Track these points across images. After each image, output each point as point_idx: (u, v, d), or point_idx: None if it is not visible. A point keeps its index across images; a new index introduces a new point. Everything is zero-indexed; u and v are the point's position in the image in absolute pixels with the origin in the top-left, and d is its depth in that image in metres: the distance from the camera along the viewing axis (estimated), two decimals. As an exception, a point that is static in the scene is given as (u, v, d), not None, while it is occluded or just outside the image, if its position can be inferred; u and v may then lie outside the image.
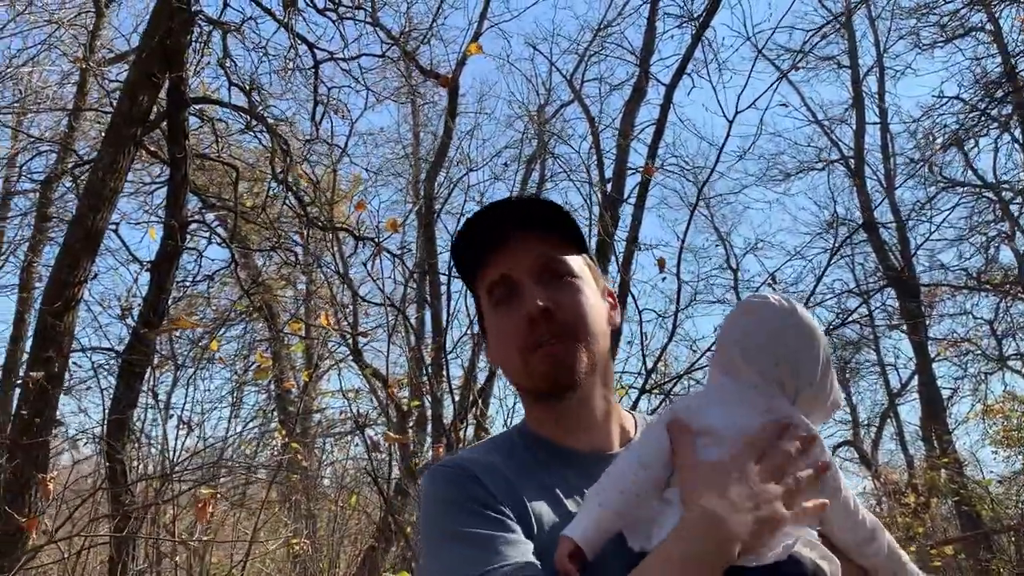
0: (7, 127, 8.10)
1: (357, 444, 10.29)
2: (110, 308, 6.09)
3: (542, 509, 1.14)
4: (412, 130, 14.53)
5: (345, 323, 12.69)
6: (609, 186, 10.30)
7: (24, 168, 8.66)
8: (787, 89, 12.99)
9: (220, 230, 6.52)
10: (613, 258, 8.89)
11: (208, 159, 6.09)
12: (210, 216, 7.19)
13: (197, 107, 5.77)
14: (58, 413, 5.14)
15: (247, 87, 5.42)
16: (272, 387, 11.99)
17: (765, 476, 1.06)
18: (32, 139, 7.80)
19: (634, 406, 4.69)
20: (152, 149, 6.30)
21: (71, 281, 5.19)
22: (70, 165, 6.71)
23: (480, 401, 7.76)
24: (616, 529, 1.08)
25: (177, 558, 5.24)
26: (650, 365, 4.71)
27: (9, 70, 8.46)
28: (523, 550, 1.07)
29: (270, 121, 5.56)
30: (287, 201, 5.60)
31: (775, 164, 14.27)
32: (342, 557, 8.24)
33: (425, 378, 7.76)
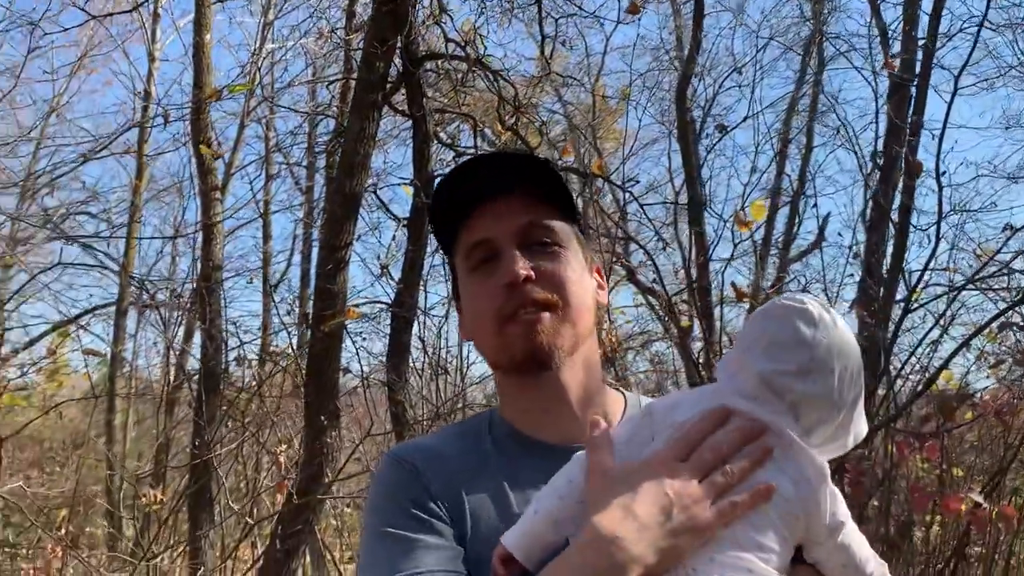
0: (289, 109, 9.00)
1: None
2: (374, 265, 6.62)
3: (483, 507, 1.07)
4: (673, 33, 13.81)
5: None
6: (897, 62, 9.12)
7: (314, 139, 9.71)
8: None
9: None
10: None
11: (446, 112, 6.31)
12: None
13: (428, 64, 5.97)
14: (342, 363, 5.74)
15: (462, 40, 5.50)
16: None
17: (689, 474, 0.90)
18: (305, 114, 8.65)
19: (897, 326, 4.24)
20: (401, 109, 6.64)
21: (337, 245, 5.70)
22: (337, 134, 7.35)
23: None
24: (557, 539, 0.96)
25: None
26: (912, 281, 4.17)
27: (291, 45, 9.38)
28: (442, 556, 1.02)
29: (495, 68, 5.61)
30: (516, 145, 5.66)
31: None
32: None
33: (687, 298, 7.57)
